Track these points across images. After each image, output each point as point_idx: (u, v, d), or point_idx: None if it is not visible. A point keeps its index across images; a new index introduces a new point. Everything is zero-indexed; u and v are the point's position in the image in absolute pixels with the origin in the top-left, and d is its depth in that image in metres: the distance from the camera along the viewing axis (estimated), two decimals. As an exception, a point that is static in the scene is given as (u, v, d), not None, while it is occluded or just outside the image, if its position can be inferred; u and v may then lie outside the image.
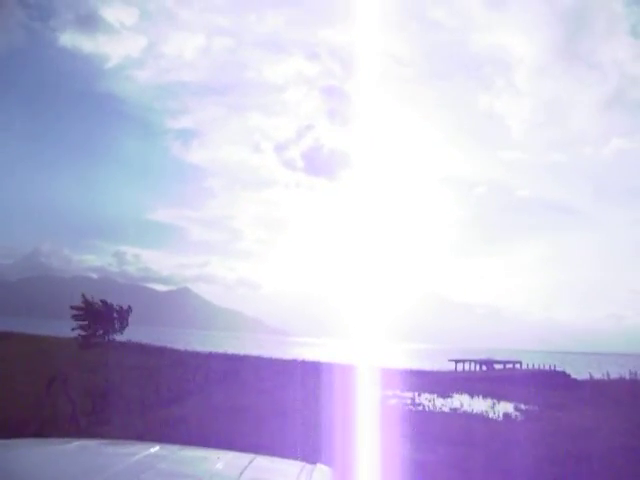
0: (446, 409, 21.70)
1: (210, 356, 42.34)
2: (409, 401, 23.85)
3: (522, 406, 23.75)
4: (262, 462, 2.94)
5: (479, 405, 23.99)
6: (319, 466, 2.98)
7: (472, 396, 27.66)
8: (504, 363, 58.82)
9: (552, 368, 55.64)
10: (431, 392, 28.03)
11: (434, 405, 22.85)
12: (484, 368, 55.96)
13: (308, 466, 2.92)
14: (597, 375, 45.35)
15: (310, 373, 32.87)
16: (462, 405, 22.92)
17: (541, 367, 57.19)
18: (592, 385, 36.12)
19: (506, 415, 20.41)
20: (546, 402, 24.80)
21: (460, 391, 29.30)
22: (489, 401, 25.88)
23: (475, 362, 58.33)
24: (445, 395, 27.37)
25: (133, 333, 46.12)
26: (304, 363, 43.52)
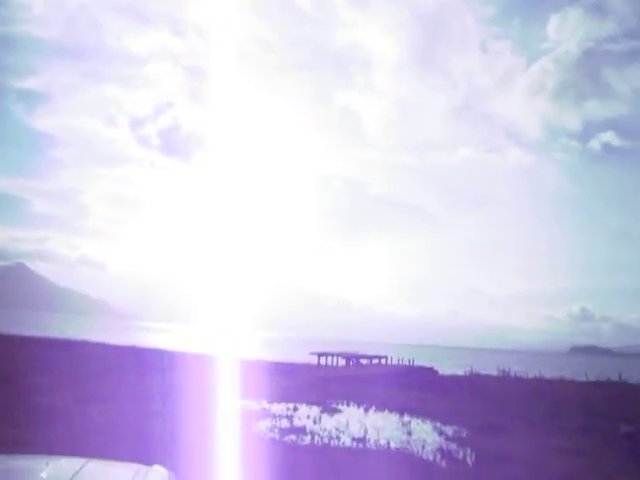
0: (346, 440, 14.20)
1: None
2: (285, 422, 16.18)
3: (445, 428, 17.05)
4: (95, 466, 2.84)
5: (385, 426, 16.87)
6: (155, 467, 3.02)
7: (365, 408, 20.60)
8: (370, 358, 53.52)
9: (412, 362, 53.23)
10: (309, 402, 20.68)
11: (324, 431, 15.31)
12: (350, 363, 50.01)
13: (144, 468, 2.90)
14: (458, 371, 46.34)
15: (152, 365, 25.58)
16: (365, 430, 15.52)
17: (405, 362, 54.84)
18: (469, 383, 32.90)
19: (443, 452, 13.31)
20: (468, 421, 18.32)
21: (344, 399, 22.23)
22: (392, 418, 18.96)
23: (340, 356, 52.18)
24: (329, 407, 20.11)
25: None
26: (144, 352, 35.87)
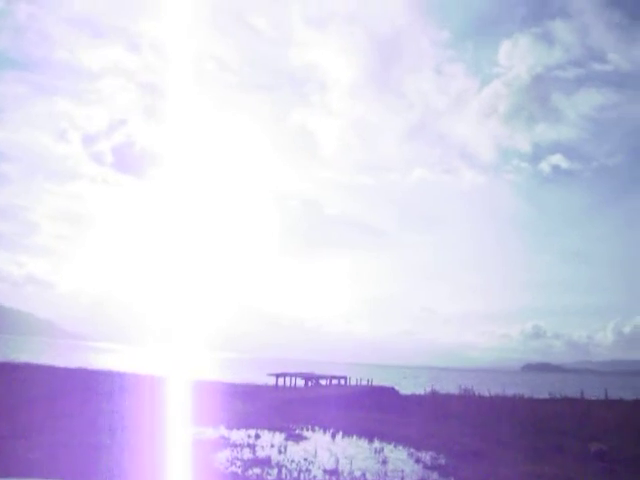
0: (317, 473, 12.61)
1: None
2: (247, 452, 14.49)
3: (421, 455, 15.66)
4: None
5: (356, 454, 15.34)
6: None
7: (332, 434, 19.08)
8: (329, 378, 51.98)
9: (371, 382, 53.48)
10: (272, 428, 19.04)
11: (292, 462, 13.66)
12: (310, 384, 48.36)
13: None
14: (417, 390, 46.00)
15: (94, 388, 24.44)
16: (336, 460, 13.97)
17: (363, 382, 54.16)
18: (432, 403, 32.07)
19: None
20: (443, 446, 17.00)
21: (309, 424, 20.69)
22: (362, 444, 17.49)
23: (298, 376, 50.52)
24: (294, 434, 18.51)
25: None
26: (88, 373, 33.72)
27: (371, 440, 18.35)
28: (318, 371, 63.64)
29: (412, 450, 16.61)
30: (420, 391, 45.82)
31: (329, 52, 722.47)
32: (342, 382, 53.39)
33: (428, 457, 15.50)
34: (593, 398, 38.34)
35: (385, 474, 12.72)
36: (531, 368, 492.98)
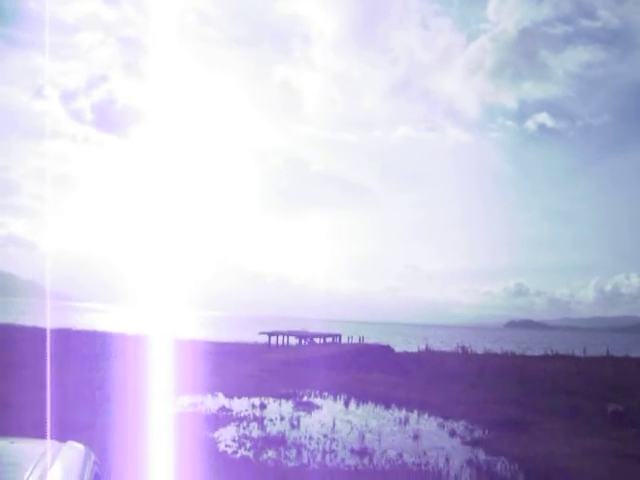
0: (344, 454, 10.36)
1: None
2: (256, 428, 12.26)
3: (453, 426, 13.61)
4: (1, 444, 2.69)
5: (381, 427, 13.18)
6: (70, 443, 2.79)
7: (345, 400, 16.98)
8: (323, 336, 50.19)
9: (362, 339, 52.67)
10: (277, 395, 16.89)
11: (310, 440, 11.45)
12: (303, 342, 46.44)
13: (57, 444, 2.70)
14: (408, 348, 46.24)
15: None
16: (362, 436, 11.79)
17: (355, 340, 52.28)
18: (432, 362, 30.50)
19: (479, 468, 9.71)
20: (473, 414, 14.92)
21: (315, 388, 18.63)
22: (382, 413, 15.39)
23: (291, 335, 48.52)
24: (303, 401, 16.39)
25: None
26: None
27: (388, 407, 16.34)
28: (311, 329, 61.93)
29: (439, 420, 14.59)
30: (412, 348, 44.69)
31: (312, 4, 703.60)
32: (336, 340, 51.73)
33: (463, 429, 13.46)
34: (592, 355, 37.58)
35: (424, 454, 10.57)
36: (514, 325, 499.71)
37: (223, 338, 49.50)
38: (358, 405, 16.51)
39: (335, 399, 17.32)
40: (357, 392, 18.35)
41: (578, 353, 39.38)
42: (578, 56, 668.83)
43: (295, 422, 13.03)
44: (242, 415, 13.48)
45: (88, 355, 23.72)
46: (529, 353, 41.41)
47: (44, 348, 25.46)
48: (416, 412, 15.59)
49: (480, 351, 39.05)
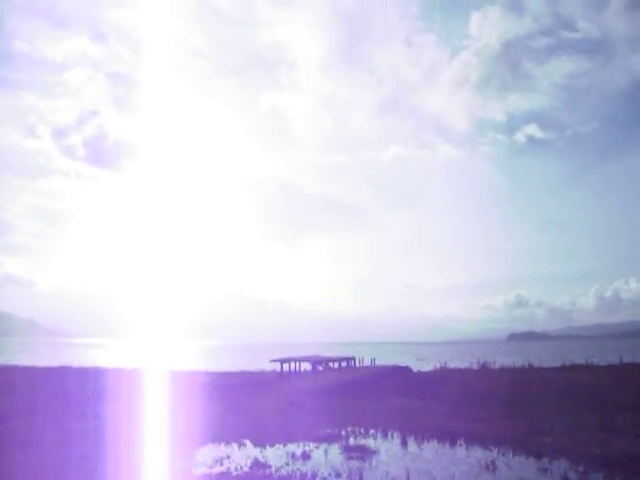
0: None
1: None
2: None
3: (554, 467, 10.39)
4: None
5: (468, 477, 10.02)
6: None
7: (400, 439, 13.75)
8: (338, 360, 47.04)
9: (373, 361, 49.86)
10: (315, 438, 13.64)
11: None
12: (319, 368, 43.20)
13: None
14: (421, 366, 44.21)
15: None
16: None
17: (367, 362, 49.46)
18: (458, 382, 27.42)
19: None
20: (559, 448, 11.74)
21: (355, 424, 15.44)
22: (453, 454, 12.16)
23: (304, 361, 45.21)
24: (351, 445, 13.14)
25: None
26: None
27: (454, 443, 13.19)
28: (323, 354, 58.71)
29: (531, 459, 11.41)
30: (425, 367, 41.76)
31: (296, 30, 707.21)
32: (351, 364, 48.62)
33: (571, 472, 10.27)
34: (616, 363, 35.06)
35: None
36: (516, 337, 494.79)
37: (229, 368, 46.37)
38: (418, 444, 13.29)
39: (386, 437, 14.11)
40: (405, 425, 15.20)
41: (597, 362, 37.18)
42: (562, 66, 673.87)
43: (357, 479, 9.83)
44: (285, 473, 10.22)
45: (84, 397, 20.54)
46: (546, 365, 38.39)
47: (36, 392, 22.42)
48: (495, 449, 12.40)
49: (497, 366, 36.34)
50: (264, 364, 51.24)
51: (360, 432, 14.65)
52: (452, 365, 40.82)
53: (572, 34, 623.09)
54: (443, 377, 31.68)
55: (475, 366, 37.49)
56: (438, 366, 39.68)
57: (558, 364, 37.78)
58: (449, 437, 13.84)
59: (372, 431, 14.76)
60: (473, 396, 23.67)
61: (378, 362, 52.28)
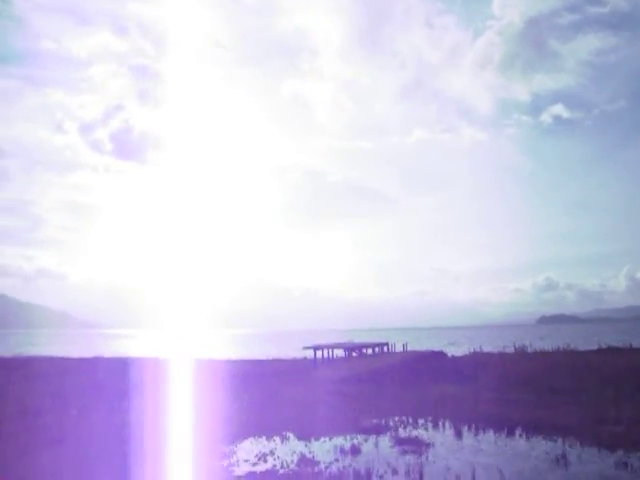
0: None
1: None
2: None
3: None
4: None
5: (538, 473, 9.03)
6: None
7: (454, 430, 12.79)
8: (372, 346, 46.11)
9: (405, 347, 48.46)
10: (362, 430, 12.74)
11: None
12: (353, 354, 42.38)
13: None
14: (453, 351, 43.14)
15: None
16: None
17: (401, 347, 47.99)
18: (498, 367, 26.15)
19: None
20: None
21: (398, 414, 14.52)
22: (515, 445, 11.14)
23: (338, 348, 44.40)
24: (402, 437, 12.23)
25: None
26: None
27: (511, 433, 12.23)
28: (357, 340, 58.02)
29: (602, 450, 10.38)
30: (457, 352, 40.75)
31: (315, 16, 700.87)
32: (384, 349, 47.64)
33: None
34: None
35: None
36: (546, 320, 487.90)
37: (259, 356, 45.82)
38: (474, 435, 12.32)
39: (437, 428, 13.16)
40: (454, 414, 14.23)
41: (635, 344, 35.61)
42: (588, 43, 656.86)
43: (417, 476, 8.92)
44: (335, 470, 9.32)
45: (117, 389, 19.96)
46: (581, 348, 36.80)
47: (69, 383, 22.01)
48: (559, 440, 11.38)
49: (533, 349, 35.01)
50: (294, 351, 50.74)
51: (408, 422, 13.72)
52: (485, 349, 39.59)
53: (599, 9, 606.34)
54: (480, 361, 30.57)
55: (510, 350, 36.37)
56: (472, 350, 38.70)
57: (593, 347, 36.40)
58: (505, 426, 12.86)
59: (421, 421, 13.83)
60: (517, 381, 22.68)
61: (410, 347, 51.31)
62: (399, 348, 48.63)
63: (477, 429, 12.81)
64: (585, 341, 53.54)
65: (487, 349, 39.66)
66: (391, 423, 13.54)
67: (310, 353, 40.31)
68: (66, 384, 21.01)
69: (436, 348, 49.00)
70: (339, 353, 42.80)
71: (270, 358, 42.63)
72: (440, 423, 13.50)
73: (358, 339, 61.02)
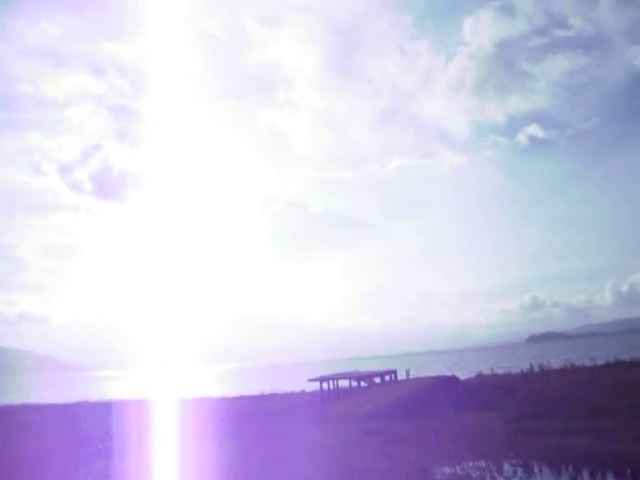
0: None
1: None
2: None
3: None
4: None
5: None
6: None
7: (523, 474, 9.86)
8: (380, 375, 43.10)
9: (408, 374, 45.27)
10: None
11: None
12: (362, 384, 39.39)
13: None
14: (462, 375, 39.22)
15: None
16: None
17: (406, 373, 46.24)
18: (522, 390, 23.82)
19: None
20: None
21: (457, 461, 11.56)
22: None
23: (344, 378, 41.33)
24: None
25: None
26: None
27: (604, 475, 9.35)
28: (361, 369, 54.93)
29: None
30: (460, 375, 38.23)
31: (287, 47, 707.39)
32: (393, 377, 44.61)
33: None
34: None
35: None
36: (536, 339, 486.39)
37: (258, 391, 42.55)
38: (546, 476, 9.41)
39: (532, 474, 10.19)
40: (535, 454, 11.37)
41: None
42: (559, 64, 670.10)
43: None
44: None
45: (100, 434, 16.84)
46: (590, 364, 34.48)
47: (49, 431, 18.94)
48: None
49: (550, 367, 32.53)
50: (294, 384, 47.64)
51: (491, 469, 10.70)
52: (485, 372, 37.24)
53: (565, 32, 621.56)
54: (499, 384, 28.15)
55: (520, 370, 33.84)
56: (475, 373, 36.77)
57: (588, 362, 34.06)
58: (619, 467, 9.93)
59: (506, 467, 10.82)
60: (547, 404, 20.13)
61: (415, 374, 48.43)
62: (401, 376, 45.84)
63: (575, 470, 9.89)
64: (583, 356, 51.29)
65: (486, 371, 37.20)
66: (473, 473, 10.48)
67: (316, 385, 37.51)
68: (44, 433, 18.12)
69: (439, 372, 46.52)
70: (346, 384, 39.84)
71: (273, 392, 39.82)
72: (533, 468, 10.51)
73: (352, 368, 58.28)
